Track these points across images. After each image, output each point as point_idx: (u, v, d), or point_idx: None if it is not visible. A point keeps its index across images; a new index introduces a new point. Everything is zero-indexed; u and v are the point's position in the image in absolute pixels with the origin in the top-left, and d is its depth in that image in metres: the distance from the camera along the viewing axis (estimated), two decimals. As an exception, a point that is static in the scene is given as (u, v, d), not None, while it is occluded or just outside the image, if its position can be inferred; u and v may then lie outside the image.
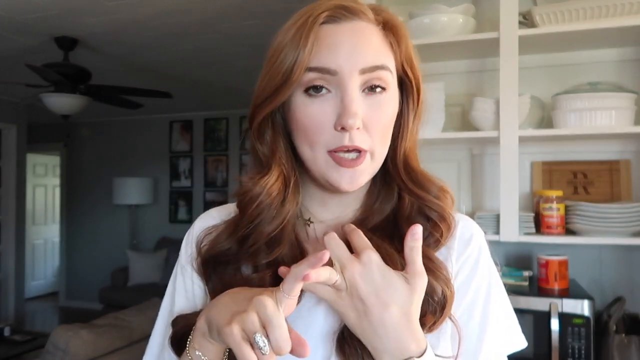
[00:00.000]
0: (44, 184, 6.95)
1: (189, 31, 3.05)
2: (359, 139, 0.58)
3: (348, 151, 0.58)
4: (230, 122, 5.70)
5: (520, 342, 0.70)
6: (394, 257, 0.59)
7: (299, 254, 0.63)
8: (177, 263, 0.72)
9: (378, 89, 0.59)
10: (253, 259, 0.61)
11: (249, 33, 3.06)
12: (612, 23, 1.55)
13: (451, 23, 1.70)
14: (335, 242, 0.56)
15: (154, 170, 5.93)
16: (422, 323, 0.58)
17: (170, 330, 0.64)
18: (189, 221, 5.79)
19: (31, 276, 6.50)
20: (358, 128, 0.58)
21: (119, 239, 5.98)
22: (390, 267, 0.57)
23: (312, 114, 0.58)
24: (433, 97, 1.68)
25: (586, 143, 1.80)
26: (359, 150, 0.59)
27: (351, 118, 0.56)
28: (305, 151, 0.61)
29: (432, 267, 0.59)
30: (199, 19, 2.85)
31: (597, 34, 1.62)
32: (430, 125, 1.69)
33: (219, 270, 0.63)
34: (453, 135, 1.73)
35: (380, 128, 0.60)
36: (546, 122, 1.75)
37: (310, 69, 0.57)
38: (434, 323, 0.59)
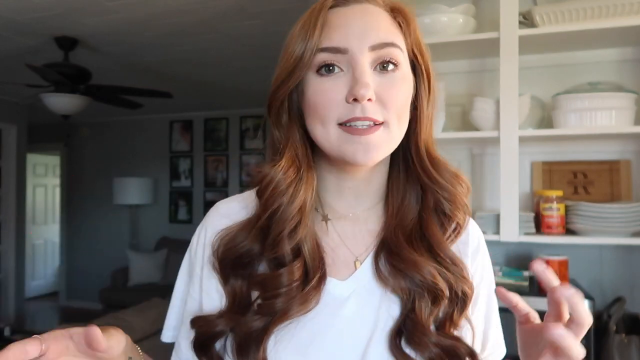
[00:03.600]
0: (44, 184, 6.94)
1: (189, 31, 3.05)
2: (371, 110, 0.58)
3: (360, 120, 0.58)
4: (230, 122, 5.70)
5: (503, 350, 0.72)
6: (437, 277, 0.60)
7: (318, 253, 0.62)
8: (187, 253, 0.71)
9: (390, 66, 0.59)
10: (277, 249, 0.60)
11: (249, 33, 3.06)
12: (612, 23, 1.55)
13: (451, 23, 1.70)
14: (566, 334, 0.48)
15: (154, 170, 5.93)
16: (445, 323, 0.60)
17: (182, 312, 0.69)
18: (189, 221, 5.80)
19: (31, 276, 6.50)
20: (370, 99, 0.57)
21: (119, 239, 5.97)
22: (437, 284, 0.59)
23: (323, 91, 0.58)
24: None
25: (586, 143, 1.80)
26: (374, 122, 0.58)
27: (363, 88, 0.56)
28: (317, 130, 0.60)
29: (452, 268, 0.61)
30: (199, 19, 2.85)
31: (597, 34, 1.62)
32: (430, 125, 1.69)
33: (240, 272, 0.62)
34: (453, 135, 1.73)
35: (395, 103, 0.59)
36: (546, 122, 1.75)
37: (322, 50, 0.58)
38: (454, 322, 0.61)
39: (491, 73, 1.84)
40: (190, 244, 0.70)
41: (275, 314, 0.58)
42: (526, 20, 1.68)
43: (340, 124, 0.58)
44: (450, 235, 0.64)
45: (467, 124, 1.82)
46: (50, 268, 6.92)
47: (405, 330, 0.59)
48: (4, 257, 5.10)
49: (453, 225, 0.64)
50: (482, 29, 1.77)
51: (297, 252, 0.61)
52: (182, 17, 2.82)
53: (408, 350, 0.58)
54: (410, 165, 0.65)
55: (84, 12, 2.76)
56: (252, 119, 5.57)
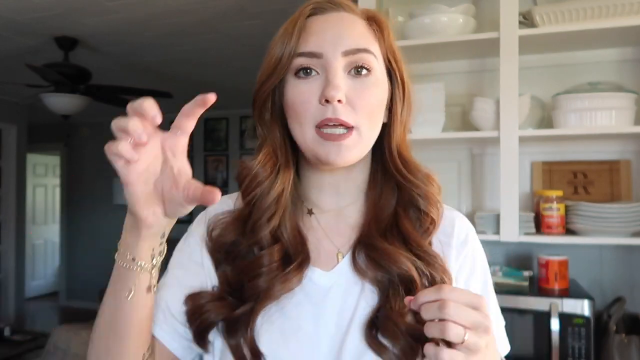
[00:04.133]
0: (44, 184, 6.95)
1: (189, 31, 3.05)
2: (342, 112, 0.61)
3: (335, 126, 0.62)
4: (230, 122, 5.70)
5: (505, 347, 0.73)
6: (410, 266, 0.63)
7: (299, 240, 0.67)
8: (185, 236, 0.75)
9: (363, 71, 0.63)
10: (256, 234, 0.65)
11: (249, 33, 3.06)
12: (612, 23, 1.55)
13: (451, 23, 1.70)
14: (457, 308, 0.51)
15: (154, 170, 5.93)
16: None
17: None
18: (189, 221, 5.65)
19: (31, 276, 6.50)
20: (340, 101, 0.61)
21: (119, 239, 5.96)
22: (410, 272, 0.62)
23: (300, 92, 0.63)
24: (433, 97, 1.68)
25: (586, 143, 1.80)
26: (345, 127, 0.62)
27: (333, 90, 0.60)
28: (296, 130, 0.65)
29: (427, 258, 0.64)
30: (199, 19, 2.85)
31: (597, 34, 1.62)
32: (430, 125, 1.69)
33: (229, 260, 0.66)
34: (453, 135, 1.73)
35: (366, 107, 0.63)
36: (546, 122, 1.75)
37: (299, 54, 0.63)
38: None
39: (491, 73, 1.84)
40: (189, 228, 0.75)
41: (259, 294, 0.62)
42: (526, 20, 1.68)
43: (317, 127, 0.62)
44: (427, 229, 0.67)
45: (467, 124, 1.82)
46: (50, 268, 6.93)
47: (378, 321, 0.61)
48: (4, 257, 5.10)
49: (429, 220, 0.67)
50: (482, 29, 1.76)
51: (277, 239, 0.66)
52: (182, 17, 2.82)
53: (383, 340, 0.60)
54: (387, 165, 0.69)
55: (84, 12, 2.76)
56: (252, 119, 5.57)
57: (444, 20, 1.69)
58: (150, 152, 0.50)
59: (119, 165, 0.48)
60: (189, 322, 0.65)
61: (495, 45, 1.63)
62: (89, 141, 6.26)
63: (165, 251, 0.59)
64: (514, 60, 1.59)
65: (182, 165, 0.51)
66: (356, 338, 0.62)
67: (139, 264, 0.56)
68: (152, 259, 0.57)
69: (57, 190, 6.76)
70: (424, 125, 1.67)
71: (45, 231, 6.89)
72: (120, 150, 0.47)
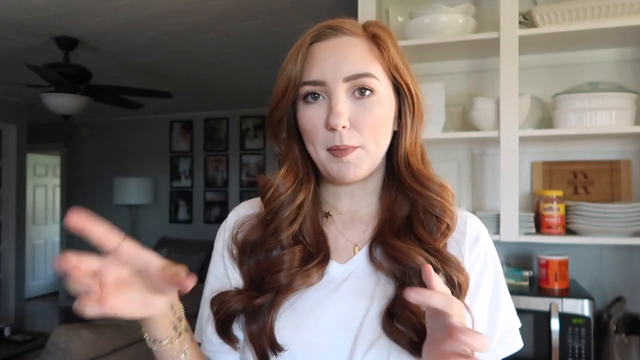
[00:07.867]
0: (44, 184, 6.94)
1: (189, 31, 3.05)
2: (347, 137, 0.66)
3: (340, 148, 0.66)
4: (230, 122, 5.70)
5: (517, 343, 0.74)
6: (425, 264, 0.64)
7: (321, 239, 0.72)
8: (213, 254, 0.79)
9: (366, 92, 0.66)
10: (276, 236, 0.70)
11: (249, 33, 3.06)
12: (612, 23, 1.55)
13: (451, 23, 1.70)
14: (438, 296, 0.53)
15: (154, 170, 5.93)
16: None
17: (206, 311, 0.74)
18: (189, 221, 5.80)
19: (31, 276, 6.50)
20: (344, 127, 0.65)
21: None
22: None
23: (309, 118, 0.68)
24: (433, 97, 1.68)
25: (586, 143, 1.80)
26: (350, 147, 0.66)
27: (336, 118, 0.64)
28: (310, 150, 0.70)
29: (443, 259, 0.66)
30: (199, 19, 2.85)
31: (597, 34, 1.62)
32: (430, 125, 1.69)
33: (252, 256, 0.72)
34: (453, 135, 1.73)
35: (369, 127, 0.67)
36: (546, 122, 1.75)
37: (305, 83, 0.68)
38: None
39: (491, 73, 1.84)
40: (216, 239, 0.79)
41: (280, 287, 0.67)
42: (526, 20, 1.68)
43: (327, 149, 0.67)
44: (443, 233, 0.69)
45: (467, 124, 1.82)
46: (50, 268, 6.92)
47: (395, 309, 0.64)
48: (4, 257, 5.10)
49: (444, 226, 0.69)
50: (482, 29, 1.77)
51: (298, 241, 0.71)
52: (182, 17, 2.82)
53: (400, 327, 0.63)
54: (397, 174, 0.73)
55: (84, 12, 2.76)
56: (252, 119, 5.57)
57: (444, 20, 1.69)
58: (113, 283, 0.54)
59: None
60: (215, 318, 0.70)
61: (495, 45, 1.63)
62: (89, 141, 6.26)
63: (182, 308, 0.65)
64: (514, 60, 1.59)
65: (143, 262, 0.55)
66: (373, 325, 0.65)
67: (167, 340, 0.63)
68: (176, 329, 0.63)
69: (57, 190, 6.75)
70: (424, 125, 1.67)
71: (45, 231, 6.89)
72: (87, 313, 0.51)
